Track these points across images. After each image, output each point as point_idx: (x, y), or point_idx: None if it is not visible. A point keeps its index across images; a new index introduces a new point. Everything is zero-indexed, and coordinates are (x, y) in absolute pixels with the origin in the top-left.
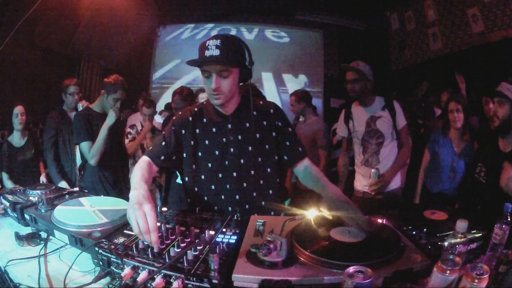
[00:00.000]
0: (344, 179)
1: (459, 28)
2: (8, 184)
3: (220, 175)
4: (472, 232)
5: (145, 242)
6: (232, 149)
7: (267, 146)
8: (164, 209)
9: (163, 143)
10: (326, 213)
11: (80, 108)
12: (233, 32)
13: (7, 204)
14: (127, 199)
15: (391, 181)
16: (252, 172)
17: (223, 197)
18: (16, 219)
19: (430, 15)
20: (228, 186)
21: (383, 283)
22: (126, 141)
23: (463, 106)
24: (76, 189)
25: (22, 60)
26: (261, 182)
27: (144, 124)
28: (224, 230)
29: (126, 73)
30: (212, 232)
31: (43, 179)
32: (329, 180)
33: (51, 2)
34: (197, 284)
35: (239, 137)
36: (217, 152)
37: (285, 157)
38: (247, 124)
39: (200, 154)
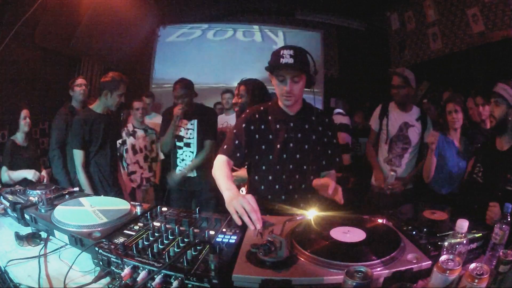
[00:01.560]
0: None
1: (459, 28)
2: (5, 176)
3: (278, 167)
4: (472, 232)
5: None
6: (291, 145)
7: (318, 148)
8: (164, 209)
9: (237, 141)
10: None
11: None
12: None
13: (7, 204)
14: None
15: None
16: (305, 167)
17: (277, 186)
18: (16, 219)
19: (430, 15)
20: (284, 176)
21: (383, 283)
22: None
23: (461, 107)
24: (76, 189)
25: (22, 60)
26: (311, 177)
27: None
28: (224, 230)
29: (126, 73)
30: (212, 232)
31: (44, 173)
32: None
33: (51, 2)
34: (197, 284)
35: (299, 135)
36: (278, 146)
37: (324, 162)
38: (306, 126)
39: (263, 147)
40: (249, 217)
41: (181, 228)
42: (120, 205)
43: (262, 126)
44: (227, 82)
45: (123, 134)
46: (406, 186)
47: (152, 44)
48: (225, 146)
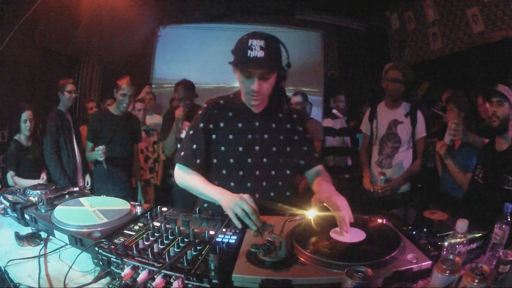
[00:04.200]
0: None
1: (459, 28)
2: (11, 182)
3: (241, 173)
4: (472, 232)
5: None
6: (257, 148)
7: (288, 149)
8: (164, 209)
9: (194, 145)
10: (315, 203)
11: None
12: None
13: (7, 204)
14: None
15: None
16: (273, 172)
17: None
18: (16, 219)
19: (430, 15)
20: (249, 184)
21: (383, 283)
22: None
23: (457, 105)
24: (76, 189)
25: (22, 60)
26: (280, 183)
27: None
28: (224, 230)
29: (126, 73)
30: (212, 232)
31: (43, 176)
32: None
33: (51, 2)
34: (197, 284)
35: (266, 136)
36: (240, 149)
37: (302, 162)
38: (274, 125)
39: (223, 148)
40: (250, 218)
41: (181, 228)
42: (120, 205)
43: (221, 124)
44: (228, 82)
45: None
46: (397, 190)
47: (152, 44)
48: (182, 153)
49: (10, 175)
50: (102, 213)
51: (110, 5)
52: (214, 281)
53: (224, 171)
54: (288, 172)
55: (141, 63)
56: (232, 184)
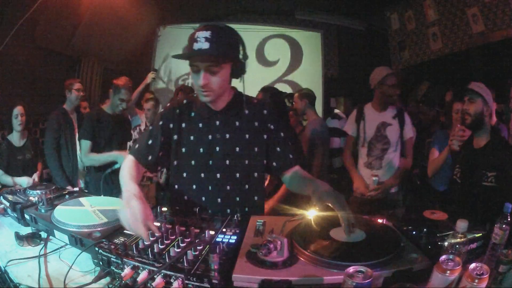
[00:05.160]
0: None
1: (459, 28)
2: (3, 179)
3: (202, 175)
4: (472, 232)
5: (145, 242)
6: (218, 148)
7: (256, 149)
8: (164, 209)
9: (150, 141)
10: (317, 206)
11: None
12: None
13: (7, 204)
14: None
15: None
16: (237, 175)
17: (203, 198)
18: (16, 219)
19: (430, 15)
20: (210, 187)
21: (383, 283)
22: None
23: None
24: (76, 189)
25: (22, 60)
26: (246, 186)
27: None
28: (224, 230)
29: (126, 74)
30: (212, 232)
31: (35, 177)
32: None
33: (51, 2)
34: (197, 284)
35: (227, 135)
36: (201, 150)
37: (275, 164)
38: (237, 123)
39: (183, 150)
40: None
41: (181, 228)
42: (120, 205)
43: (183, 125)
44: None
45: (135, 134)
46: (389, 191)
47: (152, 44)
48: (136, 146)
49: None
50: (102, 213)
51: (110, 5)
52: (214, 281)
53: (184, 174)
54: (255, 174)
55: (141, 63)
56: (194, 187)
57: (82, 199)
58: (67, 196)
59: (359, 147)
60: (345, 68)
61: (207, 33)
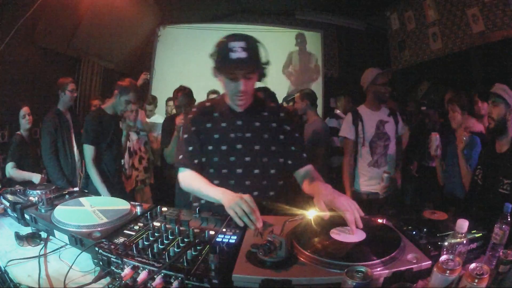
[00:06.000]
0: (352, 183)
1: (459, 28)
2: (10, 173)
3: (224, 171)
4: (472, 232)
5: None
6: (239, 146)
7: (273, 148)
8: (164, 209)
9: (190, 148)
10: (321, 208)
11: None
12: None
13: (7, 204)
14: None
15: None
16: (256, 171)
17: None
18: (16, 219)
19: (430, 15)
20: (232, 182)
21: (383, 283)
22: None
23: (459, 106)
24: (76, 189)
25: (22, 60)
26: (264, 182)
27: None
28: (224, 230)
29: (126, 74)
30: (212, 232)
31: (44, 174)
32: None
33: (51, 2)
34: (197, 284)
35: (248, 135)
36: (224, 147)
37: (289, 162)
38: (257, 124)
39: (210, 147)
40: (249, 217)
41: (181, 228)
42: (120, 205)
43: (208, 125)
44: None
45: (133, 136)
46: (398, 187)
47: (152, 44)
48: (180, 156)
49: (10, 166)
50: (102, 213)
51: (110, 5)
52: (214, 281)
53: (211, 170)
54: (272, 171)
55: (141, 63)
56: (217, 182)
57: (82, 199)
58: (67, 196)
59: (359, 148)
60: (345, 68)
61: (242, 43)
